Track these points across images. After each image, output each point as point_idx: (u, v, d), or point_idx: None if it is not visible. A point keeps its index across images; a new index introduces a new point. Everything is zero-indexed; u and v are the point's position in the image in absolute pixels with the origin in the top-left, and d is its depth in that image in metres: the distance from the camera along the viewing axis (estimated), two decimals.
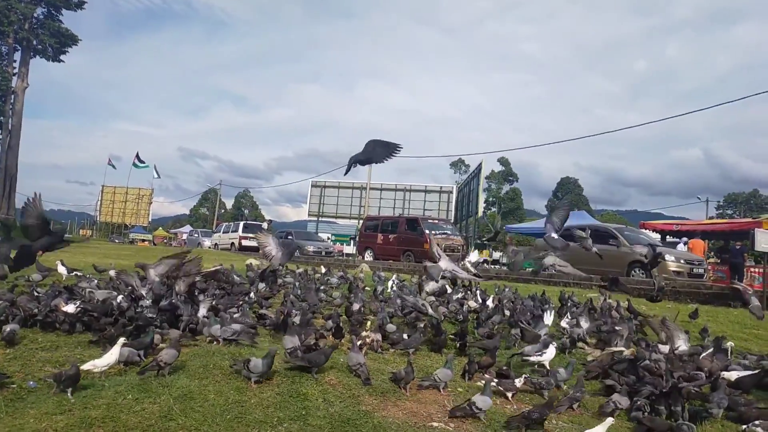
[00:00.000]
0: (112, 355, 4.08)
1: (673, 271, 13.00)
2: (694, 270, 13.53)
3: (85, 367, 3.95)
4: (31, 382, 3.86)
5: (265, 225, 31.23)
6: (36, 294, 6.37)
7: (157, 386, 3.78)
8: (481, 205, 29.10)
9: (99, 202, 59.78)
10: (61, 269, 8.56)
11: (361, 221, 27.81)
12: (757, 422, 3.86)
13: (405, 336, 5.57)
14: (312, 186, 39.84)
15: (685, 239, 18.68)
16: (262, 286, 8.22)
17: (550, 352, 5.08)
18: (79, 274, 8.43)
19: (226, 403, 3.64)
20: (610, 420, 3.52)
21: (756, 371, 4.89)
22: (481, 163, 28.71)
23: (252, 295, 7.35)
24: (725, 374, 4.79)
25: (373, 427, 3.52)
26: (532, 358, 5.13)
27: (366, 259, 20.58)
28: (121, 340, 4.25)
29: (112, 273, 8.26)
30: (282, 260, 6.35)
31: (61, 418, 3.20)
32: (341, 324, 5.77)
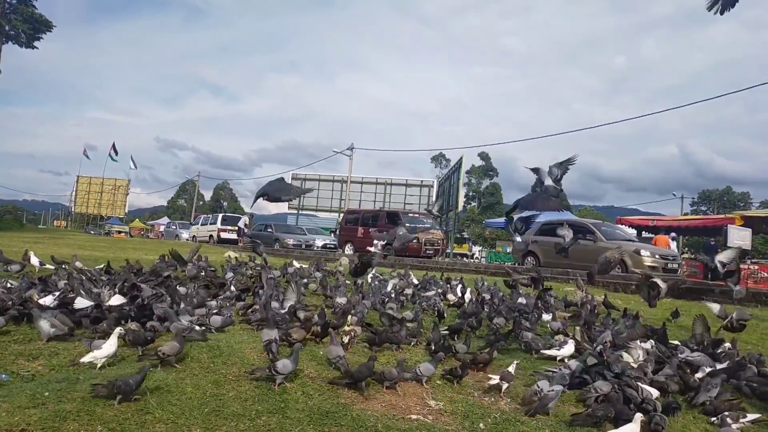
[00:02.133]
0: (111, 346, 4.07)
1: (648, 266, 13.21)
2: (669, 265, 13.77)
3: (85, 359, 3.97)
4: (4, 375, 3.77)
5: (245, 219, 30.94)
6: (9, 285, 6.23)
7: None
8: (462, 200, 29.22)
9: (74, 193, 58.85)
10: (34, 260, 8.39)
11: (342, 214, 27.75)
12: (726, 413, 3.98)
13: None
14: (292, 179, 39.64)
15: (673, 234, 18.90)
16: (230, 275, 8.19)
17: (569, 348, 5.09)
18: (50, 267, 8.28)
19: (203, 397, 3.61)
20: (639, 416, 3.56)
21: (727, 365, 5.03)
22: (461, 158, 28.83)
23: (232, 288, 7.28)
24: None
25: (351, 419, 3.52)
26: (549, 352, 5.16)
27: (346, 252, 20.55)
28: (118, 329, 4.24)
29: (77, 264, 8.11)
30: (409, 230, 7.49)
31: (35, 412, 3.15)
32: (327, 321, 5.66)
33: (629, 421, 3.65)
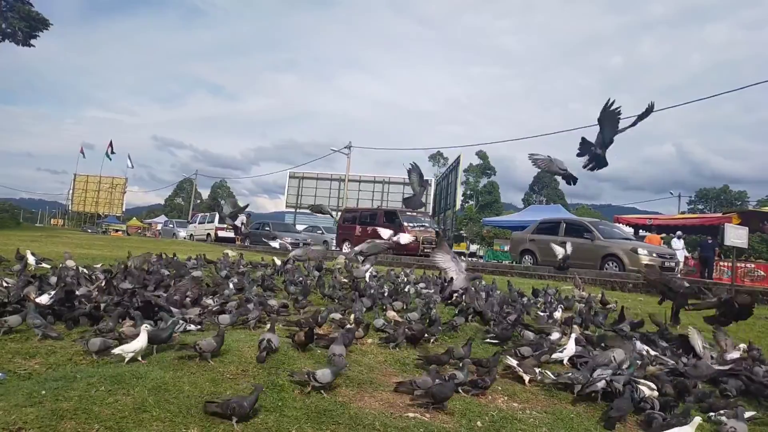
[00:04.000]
0: (140, 341, 4.13)
1: (645, 265, 13.25)
2: (666, 263, 13.81)
3: (115, 352, 4.08)
4: (0, 374, 3.77)
5: (243, 217, 30.84)
6: (6, 283, 6.22)
7: (130, 378, 3.73)
8: (459, 199, 29.25)
9: (71, 191, 58.72)
10: (31, 259, 8.39)
11: (340, 213, 27.73)
12: (722, 411, 4.01)
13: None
14: (290, 177, 39.73)
15: (679, 233, 18.83)
16: (224, 273, 8.24)
17: (570, 347, 5.11)
18: (46, 265, 8.29)
19: (201, 395, 3.61)
20: (697, 419, 3.57)
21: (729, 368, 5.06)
22: (459, 157, 28.88)
23: (231, 286, 7.27)
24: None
25: (349, 417, 3.53)
26: (555, 356, 5.15)
27: (344, 250, 20.54)
28: (145, 325, 4.31)
29: (69, 263, 8.10)
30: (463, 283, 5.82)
31: (32, 411, 3.14)
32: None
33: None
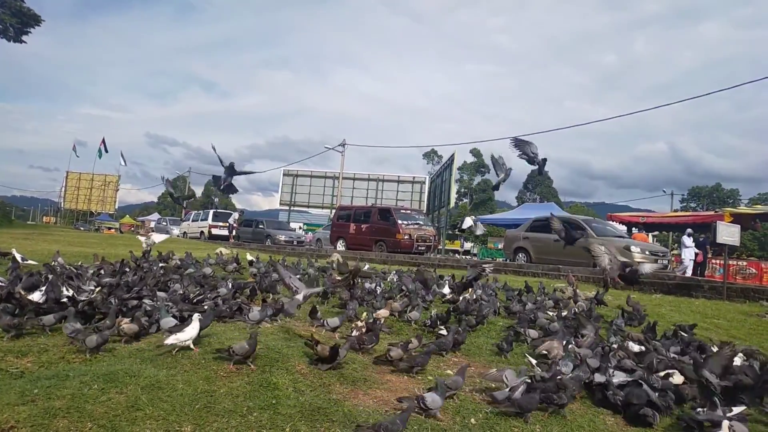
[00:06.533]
0: (193, 329, 4.24)
1: (638, 262, 13.31)
2: (659, 261, 13.87)
3: (168, 341, 4.16)
4: None
5: (236, 215, 30.81)
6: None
7: (123, 376, 3.71)
8: (453, 196, 29.34)
9: (63, 189, 58.42)
10: (17, 257, 8.34)
11: (334, 211, 27.73)
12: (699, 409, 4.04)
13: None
14: (284, 175, 39.63)
15: (689, 231, 18.81)
16: (208, 270, 8.25)
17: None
18: (33, 262, 8.24)
19: (194, 393, 3.60)
20: (726, 423, 3.61)
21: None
22: (453, 154, 28.97)
23: (229, 284, 7.23)
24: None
25: (343, 415, 3.53)
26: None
27: (338, 248, 20.54)
28: (197, 315, 4.43)
29: (60, 260, 8.07)
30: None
31: (24, 409, 3.13)
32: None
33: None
